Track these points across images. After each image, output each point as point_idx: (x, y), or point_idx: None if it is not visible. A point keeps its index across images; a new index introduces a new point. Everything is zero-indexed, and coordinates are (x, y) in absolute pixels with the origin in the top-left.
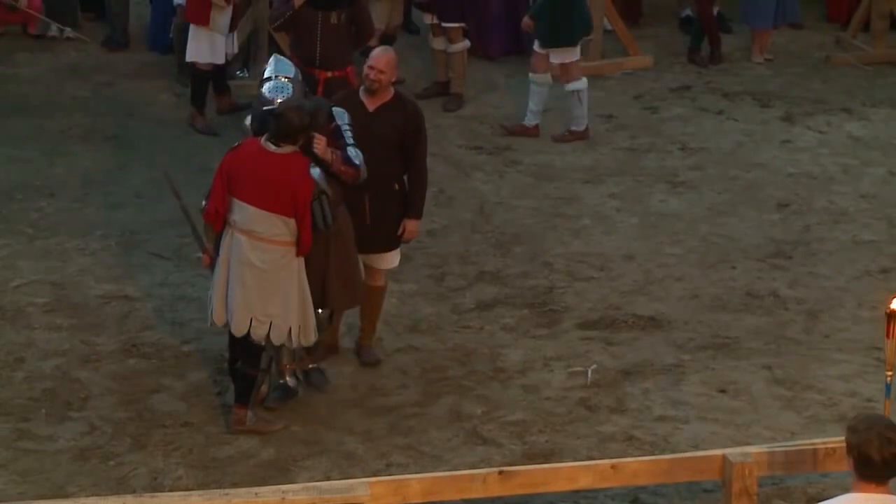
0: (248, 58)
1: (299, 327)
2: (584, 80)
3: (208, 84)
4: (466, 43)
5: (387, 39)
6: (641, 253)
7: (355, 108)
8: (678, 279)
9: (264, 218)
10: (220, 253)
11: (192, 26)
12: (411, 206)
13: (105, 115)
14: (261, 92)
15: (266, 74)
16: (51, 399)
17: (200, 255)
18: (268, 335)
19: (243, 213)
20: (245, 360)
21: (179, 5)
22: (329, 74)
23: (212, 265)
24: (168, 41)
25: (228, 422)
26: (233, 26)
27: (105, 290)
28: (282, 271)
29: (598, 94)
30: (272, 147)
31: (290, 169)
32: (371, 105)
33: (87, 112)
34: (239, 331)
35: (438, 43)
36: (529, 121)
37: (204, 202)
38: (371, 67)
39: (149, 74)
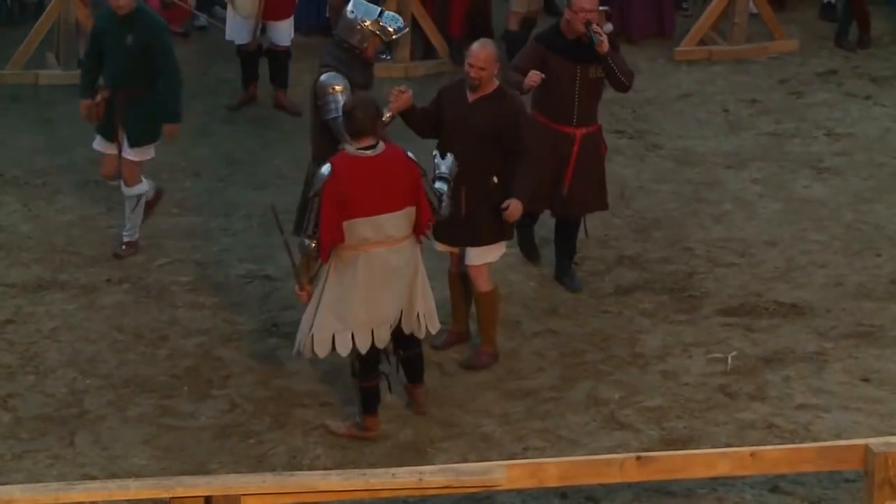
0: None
1: (424, 314)
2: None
3: (249, 64)
4: (610, 26)
5: (528, 23)
6: (784, 239)
7: (457, 98)
8: (821, 266)
9: (397, 219)
10: (335, 279)
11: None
12: (517, 187)
13: None
14: (382, 25)
15: (368, 12)
16: (193, 377)
17: (298, 291)
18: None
19: (375, 226)
20: (408, 347)
21: None
22: (584, 131)
23: (308, 299)
24: (323, 19)
25: (413, 404)
26: (266, 13)
27: (247, 270)
28: (414, 261)
29: (742, 78)
30: (368, 153)
31: (397, 161)
32: (472, 96)
33: (233, 93)
34: (388, 337)
35: None
36: None
37: (308, 241)
38: (471, 65)
39: (294, 56)
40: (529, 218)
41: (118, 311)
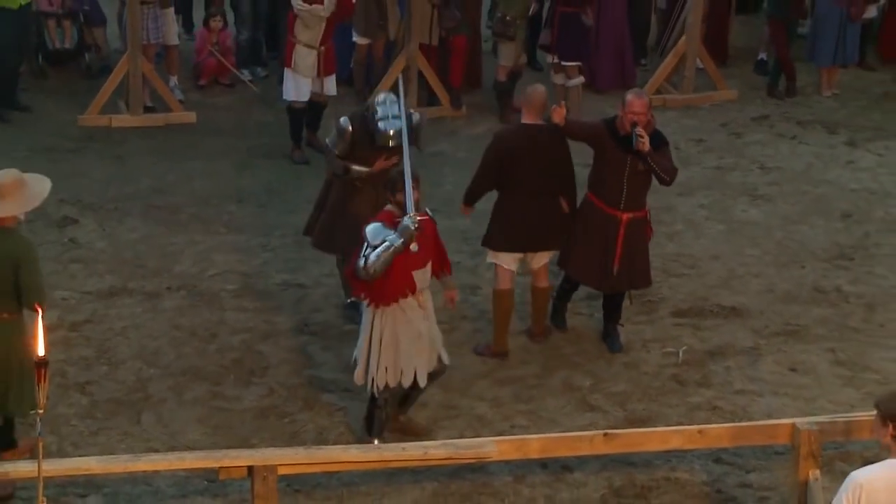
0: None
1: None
2: None
3: (301, 120)
4: (581, 79)
5: (514, 76)
6: (726, 254)
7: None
8: (756, 276)
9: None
10: (388, 325)
11: (285, 68)
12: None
13: (284, 136)
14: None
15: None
16: (238, 367)
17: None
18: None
19: (423, 276)
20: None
21: (356, 42)
22: (630, 216)
23: None
24: (347, 73)
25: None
26: (324, 70)
27: (283, 279)
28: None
29: (690, 121)
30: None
31: (431, 224)
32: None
33: (270, 134)
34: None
35: (558, 78)
36: None
37: (363, 263)
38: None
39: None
40: (570, 284)
41: (176, 313)
